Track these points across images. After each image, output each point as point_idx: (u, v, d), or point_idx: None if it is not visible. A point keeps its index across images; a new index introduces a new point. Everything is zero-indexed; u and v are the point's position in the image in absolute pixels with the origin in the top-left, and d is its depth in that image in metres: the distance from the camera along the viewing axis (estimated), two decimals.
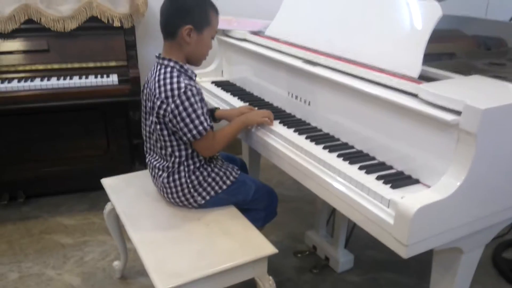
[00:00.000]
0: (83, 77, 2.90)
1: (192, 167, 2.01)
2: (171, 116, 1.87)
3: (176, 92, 1.85)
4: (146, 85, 2.02)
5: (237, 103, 2.39)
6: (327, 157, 1.74)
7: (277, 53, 2.27)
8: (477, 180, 1.40)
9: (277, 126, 2.05)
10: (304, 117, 2.13)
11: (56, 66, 2.98)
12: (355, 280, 2.53)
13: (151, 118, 1.98)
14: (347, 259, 2.56)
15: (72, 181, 3.33)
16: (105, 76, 2.92)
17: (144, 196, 2.16)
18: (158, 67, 1.95)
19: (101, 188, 2.26)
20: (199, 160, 2.02)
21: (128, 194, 2.18)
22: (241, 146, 3.16)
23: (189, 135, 1.88)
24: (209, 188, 2.03)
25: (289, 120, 2.12)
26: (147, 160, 2.15)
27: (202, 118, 1.88)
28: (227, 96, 2.50)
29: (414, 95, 1.56)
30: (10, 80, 2.82)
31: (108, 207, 2.27)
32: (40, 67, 2.95)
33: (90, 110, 3.20)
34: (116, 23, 3.08)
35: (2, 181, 3.20)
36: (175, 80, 1.87)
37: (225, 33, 2.74)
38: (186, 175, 2.00)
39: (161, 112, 1.89)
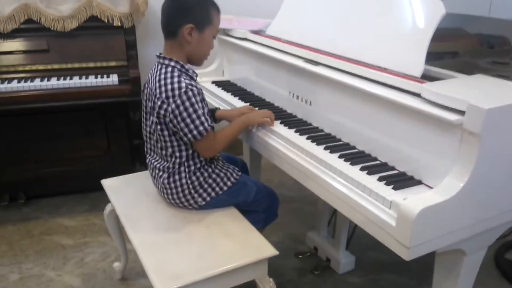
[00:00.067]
0: (83, 77, 2.89)
1: (192, 168, 1.99)
2: (171, 116, 1.85)
3: (176, 92, 1.83)
4: (146, 85, 2.00)
5: (237, 103, 2.37)
6: (329, 157, 1.73)
7: (278, 53, 2.26)
8: (481, 181, 1.38)
9: (278, 127, 2.04)
10: (305, 117, 2.12)
11: (56, 66, 2.96)
12: (356, 282, 2.51)
13: (151, 118, 1.96)
14: (348, 260, 2.54)
15: (72, 181, 3.32)
16: (105, 76, 2.90)
17: (144, 197, 2.14)
18: (159, 67, 1.93)
19: (101, 188, 2.24)
20: (200, 161, 2.00)
21: (128, 195, 2.17)
22: (242, 147, 3.14)
23: (189, 136, 1.86)
24: (209, 189, 2.01)
25: (290, 120, 2.10)
26: (147, 160, 2.14)
27: (202, 118, 1.86)
28: (227, 96, 2.49)
29: (417, 95, 1.54)
30: (10, 80, 2.80)
31: (108, 208, 2.25)
32: (40, 67, 2.94)
33: (90, 111, 3.18)
34: (116, 23, 3.06)
35: (2, 182, 3.18)
36: (176, 80, 1.85)
37: (225, 32, 2.72)
38: (187, 176, 1.98)
39: (162, 112, 1.87)
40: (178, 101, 1.82)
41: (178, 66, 1.91)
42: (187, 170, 1.98)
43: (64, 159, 3.27)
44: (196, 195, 2.00)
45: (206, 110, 1.92)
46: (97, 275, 2.55)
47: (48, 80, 2.83)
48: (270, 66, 2.32)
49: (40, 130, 3.15)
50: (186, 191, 1.98)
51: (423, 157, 1.54)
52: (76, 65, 2.99)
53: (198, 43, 1.94)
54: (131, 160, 3.33)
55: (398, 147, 1.63)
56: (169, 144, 1.95)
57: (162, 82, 1.86)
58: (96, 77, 2.89)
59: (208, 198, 2.01)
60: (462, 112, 1.35)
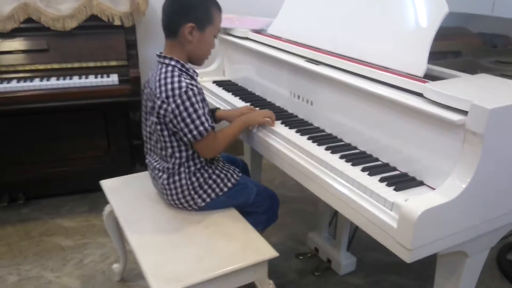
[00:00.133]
0: (83, 77, 2.87)
1: (192, 168, 1.97)
2: (171, 116, 1.83)
3: (177, 92, 1.81)
4: (146, 85, 1.98)
5: (238, 103, 2.36)
6: (330, 158, 1.71)
7: (279, 52, 2.24)
8: (483, 182, 1.36)
9: (279, 127, 2.02)
10: (307, 117, 2.10)
11: (56, 66, 2.94)
12: (357, 283, 2.49)
13: (151, 118, 1.94)
14: (349, 261, 2.52)
15: (72, 182, 3.30)
16: (105, 76, 2.89)
17: (144, 198, 2.12)
18: (159, 66, 1.91)
19: (101, 189, 2.23)
20: (200, 161, 1.98)
21: (127, 196, 2.15)
22: (243, 147, 3.12)
23: (189, 136, 1.85)
24: (209, 190, 1.99)
25: (291, 121, 2.08)
26: (147, 161, 2.12)
27: (203, 118, 1.84)
28: (228, 96, 2.47)
29: (419, 95, 1.52)
30: (9, 80, 2.79)
31: (107, 209, 2.22)
32: (40, 67, 2.92)
33: (91, 111, 3.16)
34: (117, 22, 3.05)
35: (2, 182, 3.16)
36: (176, 79, 1.83)
37: (226, 31, 2.71)
38: (187, 176, 1.96)
39: (162, 112, 1.85)
40: (178, 101, 1.81)
41: (179, 66, 1.89)
42: (187, 171, 1.96)
43: (64, 159, 3.25)
44: (196, 196, 1.98)
45: (206, 110, 1.90)
46: (96, 276, 2.53)
47: (48, 80, 2.81)
48: (271, 66, 2.31)
49: (40, 130, 3.13)
50: (186, 192, 1.97)
51: (425, 157, 1.52)
52: (76, 65, 2.97)
53: (199, 42, 1.93)
54: (131, 161, 3.31)
55: (400, 147, 1.61)
56: (169, 144, 1.93)
57: (162, 81, 1.84)
58: (96, 77, 2.87)
59: (208, 199, 2.00)
60: (465, 112, 1.33)
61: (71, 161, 3.26)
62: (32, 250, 2.76)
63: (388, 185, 1.50)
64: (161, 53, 1.94)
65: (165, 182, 1.97)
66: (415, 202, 1.30)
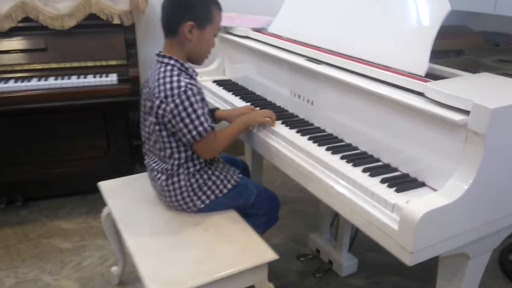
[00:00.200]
0: (82, 76, 2.85)
1: (192, 169, 1.94)
2: (170, 116, 1.81)
3: (175, 92, 1.79)
4: (145, 84, 1.96)
5: (238, 102, 2.33)
6: (330, 159, 1.68)
7: (279, 51, 2.22)
8: (486, 183, 1.34)
9: (279, 127, 2.00)
10: (307, 117, 2.07)
11: (54, 65, 2.91)
12: (359, 284, 2.47)
13: (150, 118, 1.91)
14: (350, 262, 2.50)
15: (71, 183, 3.28)
16: (104, 75, 2.86)
17: (142, 200, 2.10)
18: (158, 66, 1.89)
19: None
20: (199, 162, 1.96)
21: (126, 198, 2.13)
22: (244, 147, 3.10)
23: (188, 136, 1.82)
24: (209, 192, 1.97)
25: (291, 121, 2.06)
26: (145, 162, 2.10)
27: (202, 118, 1.82)
28: (228, 96, 2.44)
29: (421, 94, 1.50)
30: (6, 80, 2.77)
31: (105, 211, 2.19)
32: (38, 66, 2.89)
33: (90, 111, 3.14)
34: (116, 21, 3.02)
35: (0, 183, 3.14)
36: (175, 79, 1.81)
37: (227, 30, 2.69)
38: (186, 178, 1.94)
39: (160, 112, 1.83)
40: (177, 101, 1.78)
41: (178, 65, 1.87)
42: (186, 172, 1.94)
43: (63, 160, 3.22)
44: (195, 198, 1.96)
45: (206, 110, 1.87)
46: (95, 279, 2.51)
47: (46, 79, 2.79)
48: (271, 65, 2.28)
49: (39, 130, 3.11)
50: (185, 194, 1.94)
51: (426, 158, 1.49)
52: (75, 64, 2.95)
53: (198, 41, 1.90)
54: (130, 161, 3.29)
55: (401, 147, 1.59)
56: (167, 145, 1.91)
57: (161, 81, 1.82)
58: (94, 77, 2.85)
59: (207, 201, 1.97)
60: (467, 112, 1.31)
61: (70, 162, 3.24)
62: (30, 252, 2.74)
63: (389, 186, 1.48)
64: (160, 52, 1.92)
65: (164, 183, 1.95)
66: (417, 203, 1.28)
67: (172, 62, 1.86)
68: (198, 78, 2.32)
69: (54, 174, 3.22)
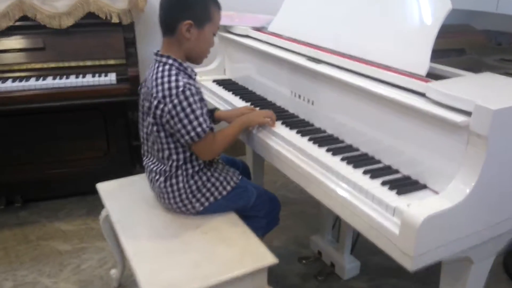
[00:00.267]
0: (80, 76, 2.83)
1: (190, 171, 1.92)
2: (168, 116, 1.78)
3: (174, 92, 1.76)
4: (143, 84, 1.93)
5: (238, 102, 2.30)
6: (330, 160, 1.65)
7: (279, 50, 2.18)
8: (489, 186, 1.30)
9: (279, 127, 1.97)
10: (308, 118, 2.04)
11: (52, 64, 2.90)
12: (361, 287, 2.44)
13: (148, 119, 1.89)
14: (353, 265, 2.46)
15: (71, 184, 3.25)
16: (103, 75, 2.84)
17: (141, 202, 2.07)
18: (156, 65, 1.86)
19: None
20: (198, 164, 1.93)
21: (124, 200, 2.10)
22: (245, 147, 3.07)
23: (187, 137, 1.79)
24: (208, 194, 1.94)
25: (292, 121, 2.03)
26: (144, 163, 2.07)
27: (201, 119, 1.79)
28: (228, 96, 2.42)
29: (422, 94, 1.47)
30: (4, 80, 2.75)
31: (103, 213, 2.17)
32: (36, 66, 2.88)
33: (89, 111, 3.11)
34: (115, 19, 3.00)
35: None
36: (173, 78, 1.78)
37: (226, 29, 2.66)
38: (184, 179, 1.91)
39: (158, 112, 1.80)
40: (175, 101, 1.75)
41: (176, 64, 1.84)
42: (184, 173, 1.91)
43: (63, 160, 3.19)
44: (193, 200, 1.93)
45: (204, 111, 1.84)
46: (94, 282, 2.49)
47: (44, 79, 2.77)
48: (271, 64, 2.25)
49: (38, 130, 3.08)
50: (184, 196, 1.91)
51: (428, 159, 1.46)
52: (74, 64, 2.93)
53: (197, 40, 1.87)
54: (130, 162, 3.27)
55: (402, 149, 1.56)
56: (165, 146, 1.88)
57: (159, 80, 1.79)
58: (93, 76, 2.82)
59: (206, 203, 1.94)
60: (468, 113, 1.28)
61: (69, 162, 3.21)
62: (29, 254, 2.72)
63: (390, 188, 1.45)
64: (158, 51, 1.89)
65: (162, 185, 1.92)
66: (418, 207, 1.25)
67: (170, 61, 1.84)
68: (198, 78, 2.30)
69: (54, 174, 3.19)
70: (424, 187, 1.47)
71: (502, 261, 2.63)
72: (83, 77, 2.82)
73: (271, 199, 2.12)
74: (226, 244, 1.79)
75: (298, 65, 2.01)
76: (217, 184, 1.96)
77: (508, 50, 2.19)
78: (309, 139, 1.83)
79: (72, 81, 2.77)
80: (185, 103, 1.76)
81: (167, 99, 1.76)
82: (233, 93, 2.44)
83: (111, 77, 2.82)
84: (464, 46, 2.09)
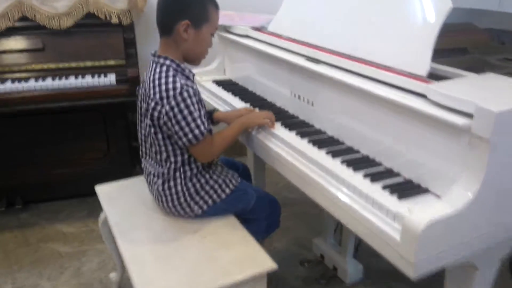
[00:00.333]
0: (79, 77, 2.80)
1: (188, 173, 1.88)
2: (165, 118, 1.75)
3: (171, 93, 1.72)
4: (141, 85, 1.90)
5: (238, 103, 2.27)
6: (330, 163, 1.62)
7: (279, 50, 2.15)
8: (492, 190, 1.27)
9: (279, 129, 1.94)
10: (308, 119, 2.01)
11: (52, 65, 2.87)
12: None
13: (145, 120, 1.86)
14: (356, 269, 2.41)
15: (71, 185, 3.24)
16: (102, 76, 2.81)
17: (139, 205, 2.04)
18: (153, 66, 1.83)
19: None
20: (197, 166, 1.90)
21: (123, 202, 2.07)
22: (246, 148, 3.03)
23: (184, 139, 1.76)
24: (206, 197, 1.91)
25: (291, 122, 2.00)
26: (142, 165, 2.04)
27: (198, 121, 1.75)
28: (227, 96, 2.39)
29: (423, 96, 1.43)
30: (3, 81, 2.72)
31: (102, 216, 2.14)
32: (36, 66, 2.85)
33: (89, 112, 3.09)
34: (114, 20, 2.97)
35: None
36: (170, 80, 1.75)
37: (226, 29, 2.62)
38: (182, 182, 1.88)
39: (156, 114, 1.77)
40: (173, 103, 1.72)
41: (174, 65, 1.81)
42: (182, 176, 1.88)
43: (63, 162, 3.18)
44: (192, 203, 1.89)
45: (202, 112, 1.81)
46: (93, 285, 2.47)
47: (43, 80, 2.75)
48: (271, 64, 2.22)
49: (38, 132, 3.07)
50: (182, 199, 1.88)
51: (430, 162, 1.43)
52: (73, 64, 2.90)
53: (194, 40, 1.84)
54: (131, 163, 3.24)
55: (403, 151, 1.52)
56: (163, 148, 1.85)
57: (156, 82, 1.76)
58: (93, 77, 2.80)
59: (205, 206, 1.91)
60: (470, 115, 1.24)
61: (70, 163, 3.19)
62: (29, 257, 2.70)
63: (391, 193, 1.42)
64: (155, 52, 1.86)
65: (160, 188, 1.89)
66: (419, 213, 1.22)
67: (167, 62, 1.81)
68: (197, 79, 2.27)
69: (54, 176, 3.18)
70: (426, 191, 1.43)
71: (508, 265, 2.58)
72: (83, 78, 2.79)
73: (271, 202, 2.08)
74: (225, 249, 1.75)
75: (297, 66, 1.98)
76: (216, 187, 1.92)
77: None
78: (309, 141, 1.80)
79: (72, 82, 2.75)
80: (182, 105, 1.73)
81: (165, 101, 1.73)
82: (232, 94, 2.40)
83: (111, 78, 2.79)
84: (466, 45, 2.05)
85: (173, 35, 1.82)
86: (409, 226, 1.19)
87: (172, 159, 1.86)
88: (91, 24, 2.97)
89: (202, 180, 1.91)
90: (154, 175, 1.93)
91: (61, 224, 3.03)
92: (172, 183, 1.88)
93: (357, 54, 1.81)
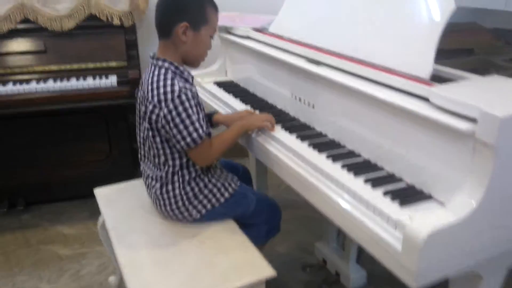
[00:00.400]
0: (81, 79, 2.79)
1: (187, 177, 1.85)
2: (163, 121, 1.72)
3: (169, 96, 1.70)
4: (140, 88, 1.88)
5: (238, 105, 2.24)
6: (330, 167, 1.58)
7: (279, 52, 2.12)
8: (497, 199, 1.22)
9: (279, 132, 1.90)
10: (308, 121, 1.97)
11: (53, 67, 2.86)
12: None
13: (144, 123, 1.83)
14: (359, 274, 2.35)
15: (73, 187, 3.22)
16: (103, 77, 2.79)
17: (138, 208, 2.02)
18: (152, 68, 1.80)
19: None
20: (195, 170, 1.86)
21: (121, 205, 2.05)
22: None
23: (182, 143, 1.73)
24: (205, 201, 1.87)
25: (291, 125, 1.96)
26: (141, 168, 2.01)
27: (196, 124, 1.72)
28: (228, 98, 2.35)
29: (425, 99, 1.38)
30: (5, 83, 2.71)
31: (101, 219, 2.11)
32: (38, 68, 2.85)
33: (91, 113, 3.08)
34: (116, 22, 2.96)
35: (1, 187, 3.10)
36: (168, 82, 1.72)
37: (227, 30, 2.59)
38: (180, 186, 1.85)
39: (153, 117, 1.74)
40: (171, 106, 1.69)
41: (172, 68, 1.78)
42: (180, 180, 1.85)
43: (65, 163, 3.17)
44: (190, 207, 1.86)
45: (201, 115, 1.78)
46: None
47: (44, 82, 2.73)
48: (271, 66, 2.19)
49: (39, 134, 3.06)
50: (180, 203, 1.85)
51: (433, 168, 1.38)
52: (75, 66, 2.89)
53: (193, 43, 1.81)
54: (132, 164, 3.22)
55: (406, 156, 1.48)
56: (161, 151, 1.82)
57: (155, 85, 1.74)
58: (94, 79, 2.78)
59: (203, 211, 1.88)
60: (474, 120, 1.19)
61: (71, 165, 3.18)
62: (30, 259, 2.69)
63: (393, 199, 1.37)
64: (154, 54, 1.83)
65: (158, 191, 1.86)
66: (421, 221, 1.17)
67: (166, 65, 1.78)
68: (199, 80, 2.24)
69: (56, 177, 3.17)
70: (429, 197, 1.39)
71: None
72: (84, 80, 2.78)
73: (271, 206, 2.05)
74: (223, 255, 1.72)
75: (298, 67, 1.94)
76: (215, 190, 1.89)
77: None
78: (309, 144, 1.76)
79: (73, 84, 2.74)
80: (180, 108, 1.70)
81: (163, 104, 1.70)
82: (233, 96, 2.37)
83: (112, 80, 2.78)
84: (472, 45, 2.01)
85: (171, 37, 1.79)
86: (410, 235, 1.15)
87: (170, 162, 1.83)
88: (92, 26, 2.97)
89: (201, 184, 1.87)
90: (152, 179, 1.90)
91: (62, 225, 3.01)
92: (170, 187, 1.85)
93: (358, 55, 1.77)
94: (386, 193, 1.40)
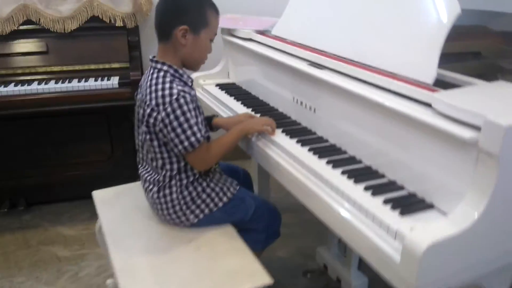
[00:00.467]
0: (83, 80, 2.78)
1: (184, 181, 1.82)
2: (161, 125, 1.69)
3: (167, 99, 1.67)
4: (139, 90, 1.85)
5: (239, 108, 2.21)
6: (330, 174, 1.54)
7: (281, 55, 2.09)
8: (500, 210, 1.17)
9: (279, 136, 1.87)
10: (310, 126, 1.94)
11: (56, 68, 2.87)
12: None
13: (142, 126, 1.80)
14: (360, 281, 2.30)
15: (75, 187, 3.20)
16: (105, 79, 2.79)
17: (135, 212, 1.98)
18: (151, 71, 1.78)
19: None
20: (193, 174, 1.83)
21: (119, 209, 2.02)
22: None
23: (180, 147, 1.70)
24: (203, 206, 1.84)
25: (292, 129, 1.93)
26: (139, 172, 1.98)
27: (195, 128, 1.69)
28: (229, 101, 2.33)
29: (428, 105, 1.34)
30: (7, 83, 2.71)
31: (98, 222, 2.08)
32: (40, 69, 2.86)
33: (94, 114, 3.07)
34: (118, 23, 2.97)
35: (3, 188, 3.09)
36: (167, 85, 1.69)
37: (230, 32, 2.57)
38: (178, 190, 1.81)
39: (151, 120, 1.71)
40: (169, 109, 1.66)
41: (171, 71, 1.75)
42: (178, 184, 1.81)
43: (67, 164, 3.16)
44: (188, 212, 1.83)
45: (200, 119, 1.75)
46: None
47: (46, 83, 2.73)
48: (273, 69, 2.16)
49: (41, 134, 3.06)
50: (177, 207, 1.82)
51: (435, 176, 1.33)
52: (77, 67, 2.90)
53: (193, 46, 1.79)
54: (135, 165, 3.19)
55: (408, 163, 1.43)
56: (159, 155, 1.79)
57: (153, 88, 1.71)
58: (96, 80, 2.78)
59: (201, 215, 1.84)
60: (478, 128, 1.15)
61: (73, 166, 3.18)
62: (28, 260, 2.68)
63: (393, 208, 1.33)
64: (154, 57, 1.81)
65: (155, 195, 1.83)
66: (421, 232, 1.13)
67: (165, 68, 1.75)
68: (201, 82, 2.21)
69: (58, 178, 3.17)
70: (430, 206, 1.34)
71: None
72: (86, 81, 2.77)
73: (271, 212, 2.01)
74: (218, 262, 1.68)
75: (300, 71, 1.91)
76: (213, 195, 1.86)
77: None
78: (309, 149, 1.72)
79: (74, 85, 2.73)
80: (178, 112, 1.67)
81: (160, 107, 1.68)
82: (235, 98, 2.35)
83: (113, 81, 2.77)
84: (480, 49, 1.96)
85: (171, 40, 1.77)
86: (410, 247, 1.11)
87: (168, 166, 1.80)
88: (95, 27, 2.97)
89: (199, 188, 1.84)
90: (150, 182, 1.87)
91: (62, 226, 3.00)
92: (167, 191, 1.82)
93: (361, 59, 1.73)
94: (386, 201, 1.36)
